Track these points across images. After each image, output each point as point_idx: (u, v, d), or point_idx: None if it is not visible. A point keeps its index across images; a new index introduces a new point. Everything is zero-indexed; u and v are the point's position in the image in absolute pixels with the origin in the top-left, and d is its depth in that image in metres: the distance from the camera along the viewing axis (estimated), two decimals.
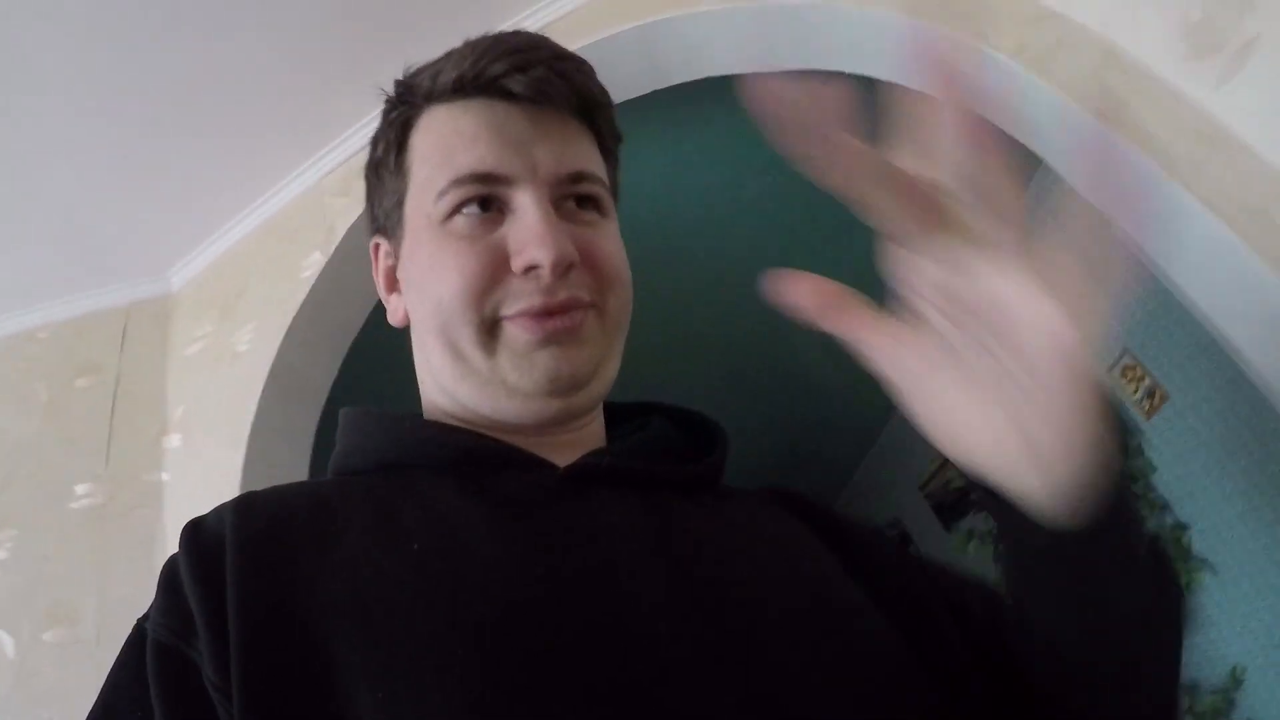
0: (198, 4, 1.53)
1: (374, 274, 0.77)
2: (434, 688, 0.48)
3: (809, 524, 0.73)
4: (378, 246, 0.76)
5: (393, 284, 0.75)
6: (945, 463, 3.57)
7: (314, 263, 1.85)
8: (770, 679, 0.54)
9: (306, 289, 1.82)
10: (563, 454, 0.66)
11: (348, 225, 1.84)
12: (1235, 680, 2.37)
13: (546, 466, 0.65)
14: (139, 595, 1.55)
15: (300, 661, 0.49)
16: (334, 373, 1.93)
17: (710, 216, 2.55)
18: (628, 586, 0.56)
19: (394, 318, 0.75)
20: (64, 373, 1.97)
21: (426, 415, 0.74)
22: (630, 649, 0.53)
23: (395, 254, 0.73)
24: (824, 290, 0.45)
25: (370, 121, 1.83)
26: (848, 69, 1.63)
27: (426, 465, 0.65)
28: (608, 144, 0.75)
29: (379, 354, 1.86)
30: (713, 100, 1.80)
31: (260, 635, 0.50)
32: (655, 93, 1.78)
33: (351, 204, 1.86)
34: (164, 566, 0.57)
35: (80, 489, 1.80)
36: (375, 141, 0.75)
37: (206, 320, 1.98)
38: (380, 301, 0.78)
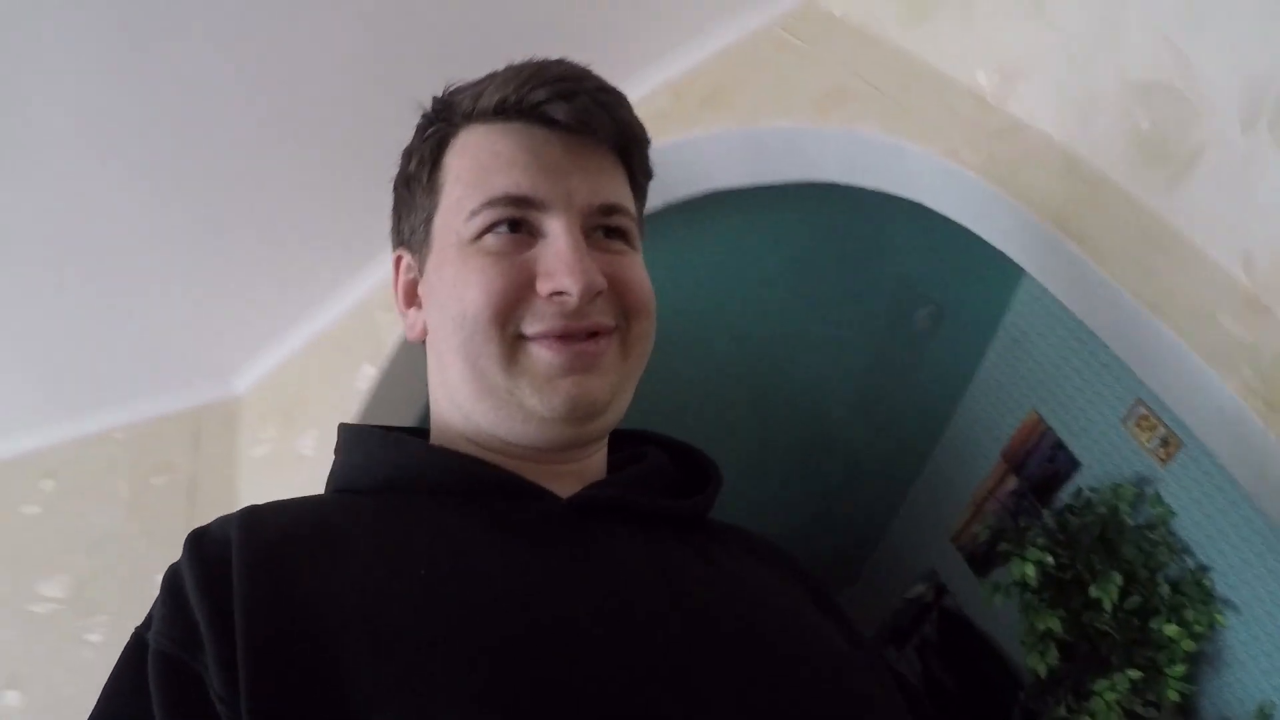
0: (254, 126, 1.64)
1: (394, 287, 0.77)
2: (444, 713, 0.48)
3: (777, 567, 0.76)
4: (399, 259, 0.76)
5: (412, 299, 0.75)
6: (973, 515, 3.65)
7: (366, 375, 1.98)
8: (774, 711, 0.56)
9: (361, 401, 1.95)
10: (565, 483, 0.67)
11: (395, 340, 1.97)
12: (1264, 717, 2.41)
13: (549, 496, 0.65)
14: None
15: (309, 681, 0.49)
16: None
17: (727, 306, 2.68)
18: (634, 616, 0.57)
19: (411, 333, 0.75)
20: (141, 471, 2.08)
21: (436, 434, 0.74)
22: (637, 677, 0.53)
23: (419, 269, 0.73)
24: None
25: None
26: (824, 178, 1.78)
27: (430, 490, 0.65)
28: (639, 179, 0.76)
29: None
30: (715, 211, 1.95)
31: (269, 651, 0.49)
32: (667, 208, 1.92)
33: (397, 320, 1.99)
34: (166, 574, 0.57)
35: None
36: (408, 155, 0.75)
37: (271, 424, 2.11)
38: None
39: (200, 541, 0.57)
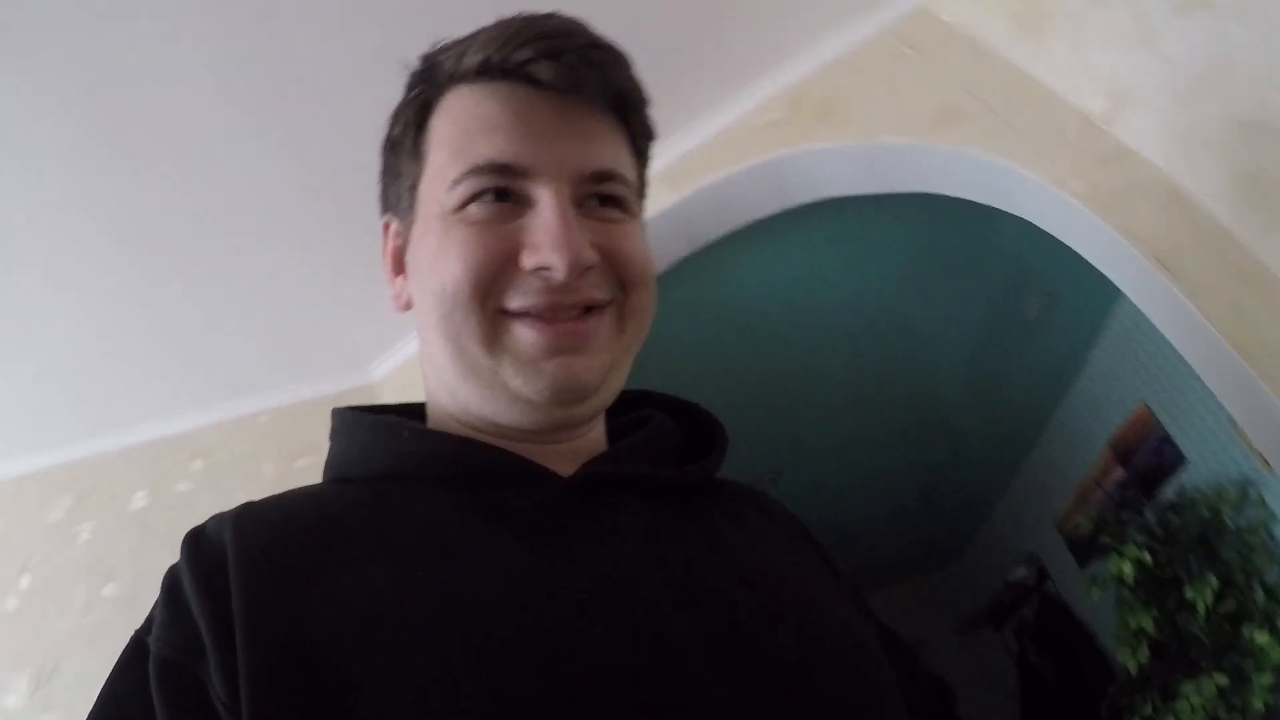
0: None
1: (381, 255, 0.72)
2: (443, 713, 0.47)
3: (785, 530, 0.73)
4: (387, 225, 0.72)
5: (400, 267, 0.70)
6: (1078, 503, 3.64)
7: None
8: (785, 697, 0.53)
9: None
10: (564, 460, 0.64)
11: None
12: None
13: (548, 478, 0.62)
14: None
15: (311, 687, 0.48)
16: None
17: (840, 299, 2.71)
18: (635, 611, 0.54)
19: (397, 302, 0.71)
20: (285, 453, 2.22)
21: (431, 411, 0.71)
22: (639, 673, 0.51)
23: (405, 236, 0.68)
24: None
25: None
26: (936, 191, 1.84)
27: (425, 477, 0.62)
28: (639, 143, 0.70)
29: None
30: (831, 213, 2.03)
31: (270, 657, 0.48)
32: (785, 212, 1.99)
33: None
34: (166, 577, 0.55)
35: None
36: (394, 119, 0.70)
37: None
38: None
39: (197, 543, 0.56)
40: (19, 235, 1.65)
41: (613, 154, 0.66)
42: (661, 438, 0.71)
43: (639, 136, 0.70)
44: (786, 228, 2.06)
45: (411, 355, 2.31)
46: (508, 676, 0.49)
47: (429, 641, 0.49)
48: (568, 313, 0.61)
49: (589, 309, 0.62)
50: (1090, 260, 1.59)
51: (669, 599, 0.55)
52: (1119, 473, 3.29)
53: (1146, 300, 1.50)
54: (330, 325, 2.20)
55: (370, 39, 1.49)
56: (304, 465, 2.21)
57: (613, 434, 0.72)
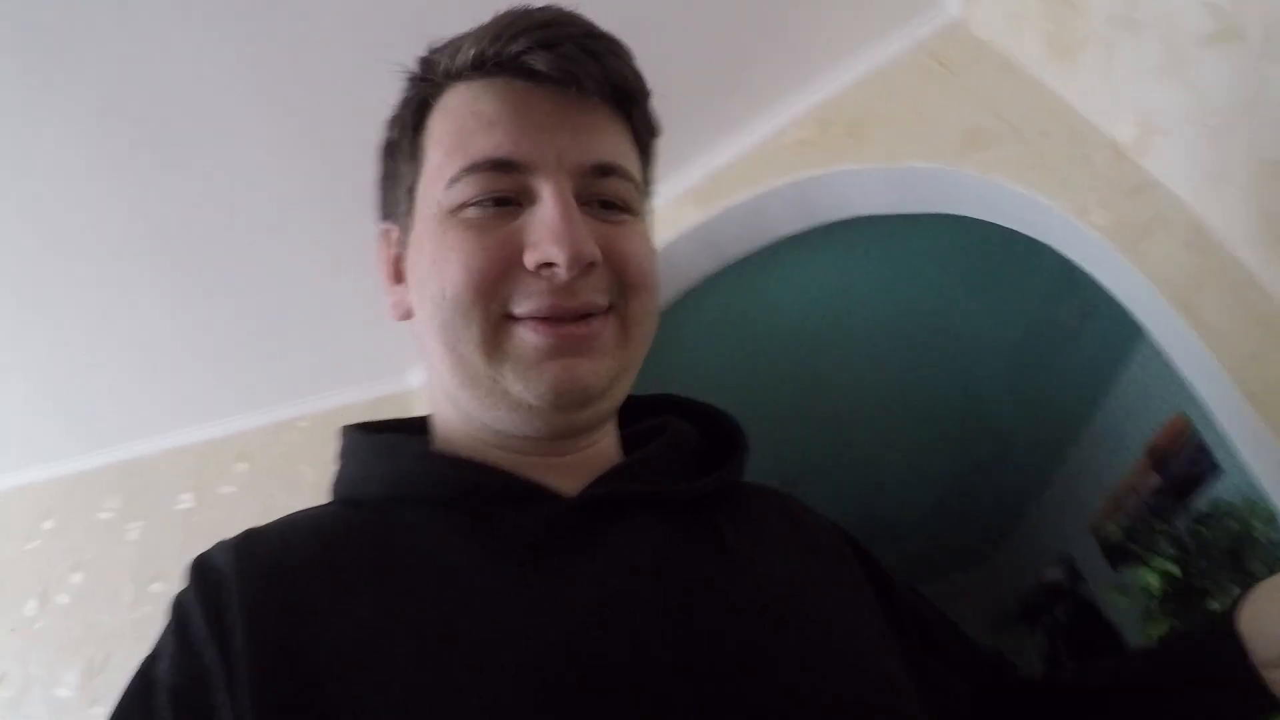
0: None
1: (379, 262, 0.70)
2: None
3: (809, 535, 0.70)
4: (386, 232, 0.69)
5: (398, 274, 0.68)
6: (1113, 508, 3.62)
7: None
8: None
9: None
10: (573, 475, 0.62)
11: None
12: None
13: (552, 498, 0.60)
14: None
15: (311, 712, 0.48)
16: None
17: (880, 307, 2.69)
18: (635, 630, 0.53)
19: (394, 312, 0.69)
20: (324, 458, 2.31)
21: (437, 426, 0.69)
22: (638, 693, 0.50)
23: (403, 241, 0.66)
24: None
25: None
26: (965, 214, 1.85)
27: (428, 499, 0.61)
28: (643, 137, 0.68)
29: None
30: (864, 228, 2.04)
31: (272, 686, 0.48)
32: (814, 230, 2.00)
33: None
34: (173, 604, 0.55)
35: None
36: (390, 123, 0.69)
37: None
38: None
39: (203, 572, 0.56)
40: (77, 242, 1.73)
41: (614, 147, 0.64)
42: (676, 447, 0.69)
43: (641, 131, 0.68)
44: (817, 244, 2.07)
45: None
46: (505, 708, 0.48)
47: (426, 675, 0.49)
48: (568, 317, 0.59)
49: (589, 315, 0.60)
50: (1110, 291, 1.59)
51: (670, 623, 0.54)
52: (1154, 479, 3.27)
53: (1164, 337, 1.50)
54: (368, 332, 2.24)
55: (412, 47, 1.52)
56: None
57: (628, 443, 0.70)
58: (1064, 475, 4.18)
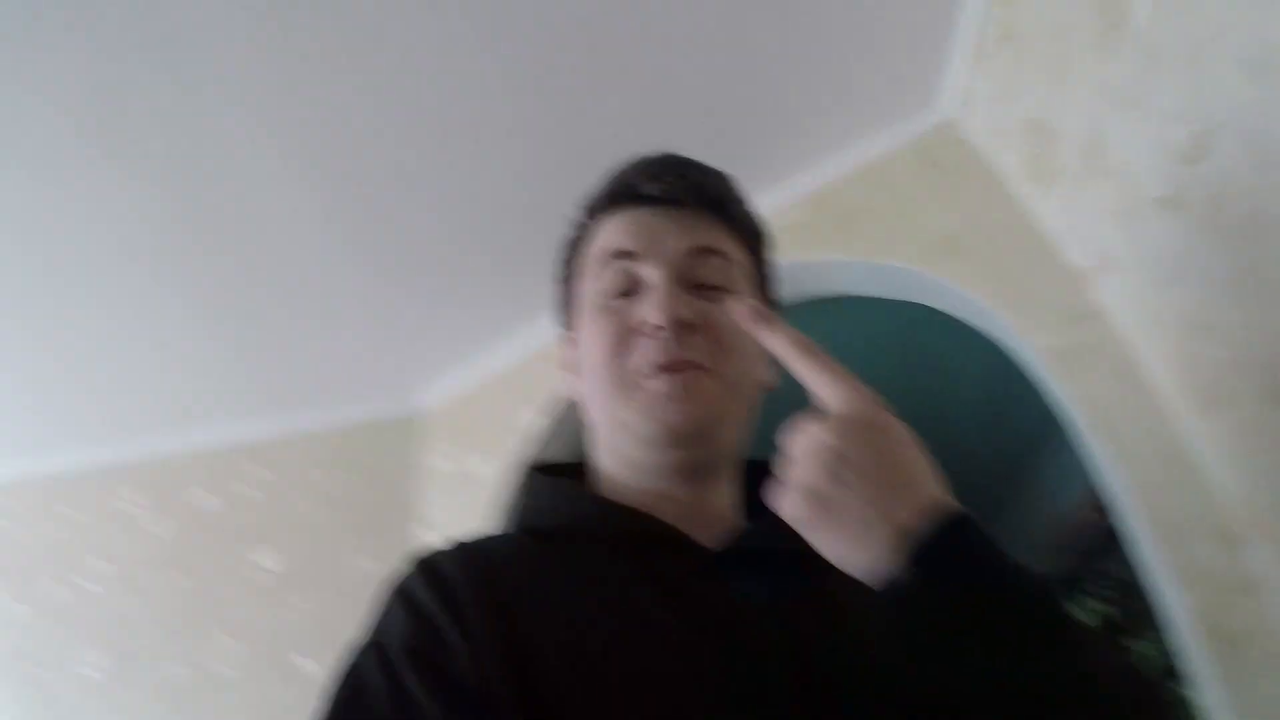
0: (452, 203, 1.93)
1: (561, 362, 0.89)
2: None
3: None
4: (563, 339, 0.89)
5: (573, 368, 0.86)
6: (1062, 542, 3.77)
7: (536, 422, 2.30)
8: None
9: (530, 443, 2.28)
10: (703, 527, 0.74)
11: (559, 392, 2.27)
12: None
13: (695, 547, 0.72)
14: None
15: (527, 680, 0.59)
16: None
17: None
18: (759, 667, 0.62)
19: (573, 393, 0.86)
20: (339, 469, 2.45)
21: (601, 476, 0.82)
22: None
23: (575, 341, 0.85)
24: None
25: None
26: (937, 308, 2.01)
27: (598, 537, 0.73)
28: (744, 235, 0.86)
29: None
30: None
31: (501, 650, 0.60)
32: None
33: (560, 374, 2.31)
34: (395, 591, 0.67)
35: (358, 562, 2.30)
36: (560, 258, 0.90)
37: (450, 443, 2.45)
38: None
39: (430, 568, 0.67)
40: (123, 250, 1.88)
41: (710, 236, 0.81)
42: None
43: (741, 229, 0.86)
44: (800, 312, 2.21)
45: (453, 388, 2.56)
46: (653, 703, 0.59)
47: (613, 682, 0.60)
48: (677, 367, 0.74)
49: (697, 368, 0.74)
50: (1049, 403, 1.75)
51: (789, 665, 0.63)
52: (1102, 520, 3.41)
53: (1087, 449, 1.66)
54: (384, 353, 2.43)
55: (423, 68, 1.66)
56: (355, 482, 2.45)
57: (755, 504, 0.77)
58: (1019, 506, 4.33)
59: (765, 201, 2.08)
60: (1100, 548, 3.36)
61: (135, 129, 1.63)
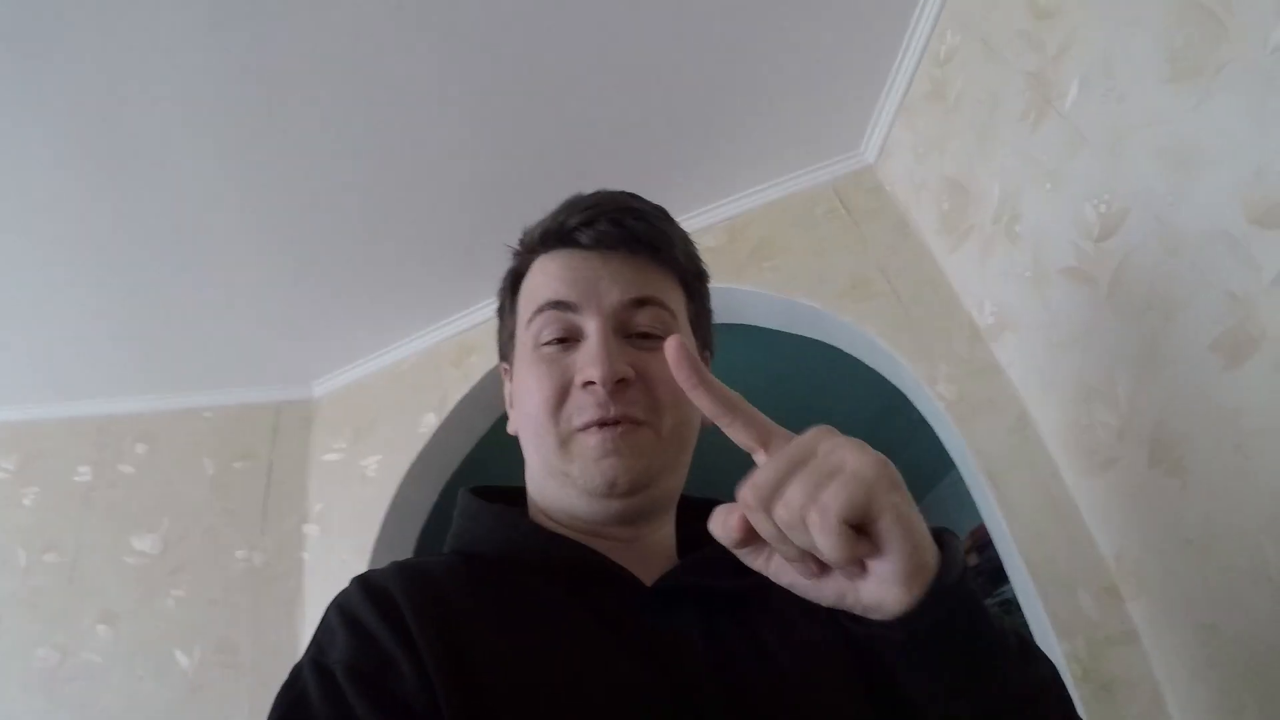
0: (375, 197, 1.89)
1: (505, 393, 0.89)
2: None
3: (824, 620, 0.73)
4: (505, 370, 0.89)
5: (512, 401, 0.86)
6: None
7: (429, 423, 2.27)
8: None
9: (422, 444, 2.25)
10: (640, 562, 0.75)
11: (459, 397, 2.26)
12: None
13: (632, 582, 0.72)
14: (285, 641, 2.10)
15: (474, 698, 0.59)
16: (434, 496, 2.36)
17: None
18: (695, 701, 0.64)
19: (510, 427, 0.86)
20: (226, 454, 2.36)
21: (531, 508, 0.83)
22: None
23: (511, 375, 0.85)
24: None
25: (478, 309, 2.31)
26: (839, 348, 2.08)
27: (535, 566, 0.73)
28: (683, 278, 0.84)
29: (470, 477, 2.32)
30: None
31: (448, 670, 0.59)
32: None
33: (462, 376, 2.29)
34: (337, 614, 0.66)
35: (240, 553, 2.23)
36: (500, 290, 0.90)
37: (341, 436, 2.39)
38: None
39: (370, 588, 0.67)
40: (21, 210, 1.77)
41: (648, 285, 0.79)
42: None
43: (679, 272, 0.84)
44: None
45: (348, 381, 2.50)
46: None
47: (548, 705, 0.60)
48: (614, 423, 0.73)
49: (634, 422, 0.74)
50: (945, 446, 1.84)
51: (720, 698, 0.65)
52: (973, 559, 3.61)
53: (976, 494, 1.75)
54: (281, 339, 2.35)
55: (353, 67, 1.62)
56: (241, 468, 2.37)
57: (689, 541, 0.83)
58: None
59: (681, 223, 2.11)
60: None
61: (49, 90, 1.53)
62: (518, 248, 0.87)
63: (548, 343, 0.77)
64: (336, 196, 1.89)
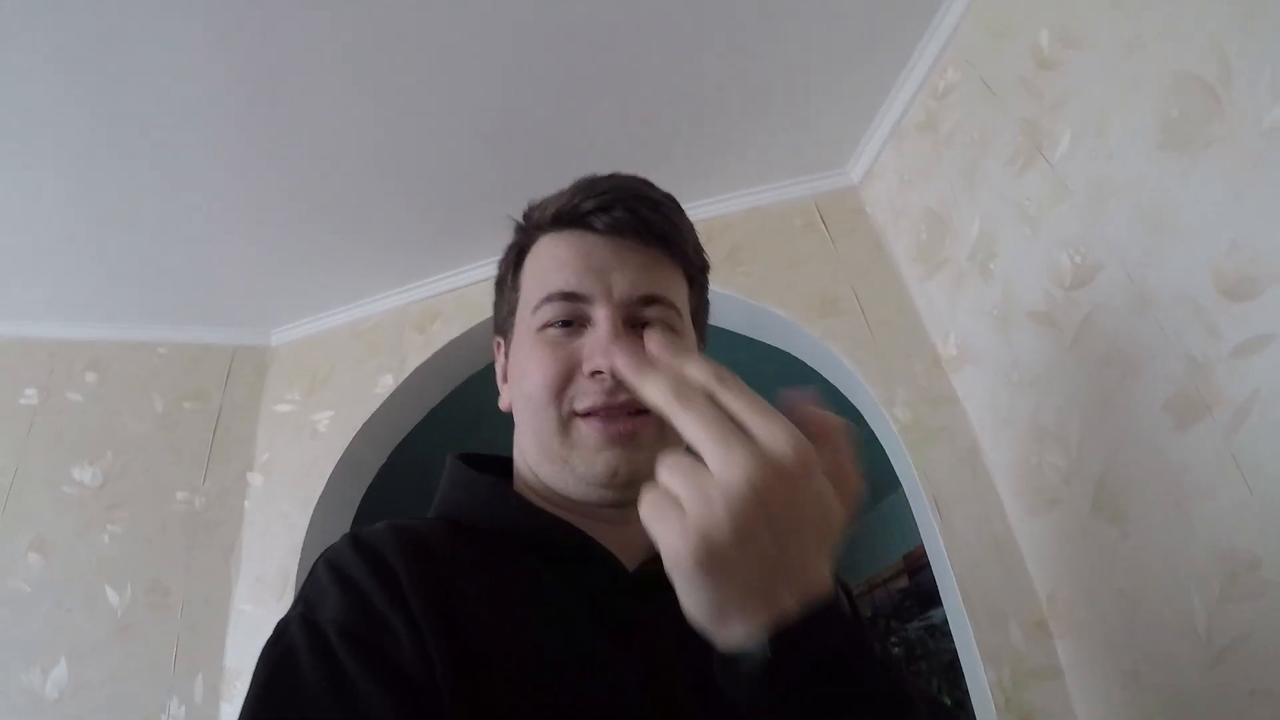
0: (358, 155, 1.86)
1: (496, 366, 0.89)
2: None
3: None
4: (499, 345, 0.88)
5: (505, 376, 0.86)
6: (864, 595, 4.03)
7: (386, 385, 2.25)
8: None
9: (377, 404, 2.23)
10: (623, 543, 0.75)
11: (418, 362, 2.25)
12: None
13: (616, 567, 0.74)
14: (217, 587, 2.09)
15: (473, 655, 0.60)
16: (383, 458, 2.34)
17: None
18: (672, 686, 0.65)
19: (502, 403, 0.86)
20: (176, 392, 2.30)
21: (517, 483, 0.83)
22: None
23: (507, 352, 0.85)
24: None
25: (448, 277, 2.31)
26: (803, 359, 2.12)
27: (521, 540, 0.74)
28: (689, 271, 0.85)
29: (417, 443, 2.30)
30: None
31: (447, 639, 0.60)
32: None
33: (425, 342, 2.27)
34: (328, 569, 0.65)
35: (181, 494, 2.18)
36: (501, 262, 0.88)
37: (295, 388, 2.35)
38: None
39: (364, 547, 0.66)
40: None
41: (660, 282, 0.79)
42: None
43: (687, 266, 0.84)
44: None
45: (308, 334, 2.47)
46: (575, 709, 0.61)
47: (541, 680, 0.61)
48: (620, 412, 0.73)
49: (639, 411, 0.73)
50: (895, 469, 1.88)
51: (691, 685, 0.65)
52: (904, 581, 3.69)
53: (919, 518, 1.80)
54: (243, 283, 2.29)
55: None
56: (190, 409, 2.32)
57: None
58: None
59: None
60: (903, 607, 3.59)
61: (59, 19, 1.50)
62: (522, 222, 0.87)
63: (552, 325, 0.77)
64: (325, 143, 1.85)
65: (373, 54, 1.65)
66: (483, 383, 2.14)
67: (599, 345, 0.74)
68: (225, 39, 1.58)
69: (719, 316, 2.13)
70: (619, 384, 0.72)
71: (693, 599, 0.50)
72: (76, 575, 2.04)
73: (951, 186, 1.77)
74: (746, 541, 0.48)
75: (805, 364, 2.13)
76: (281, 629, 0.62)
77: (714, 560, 0.47)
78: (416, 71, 1.69)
